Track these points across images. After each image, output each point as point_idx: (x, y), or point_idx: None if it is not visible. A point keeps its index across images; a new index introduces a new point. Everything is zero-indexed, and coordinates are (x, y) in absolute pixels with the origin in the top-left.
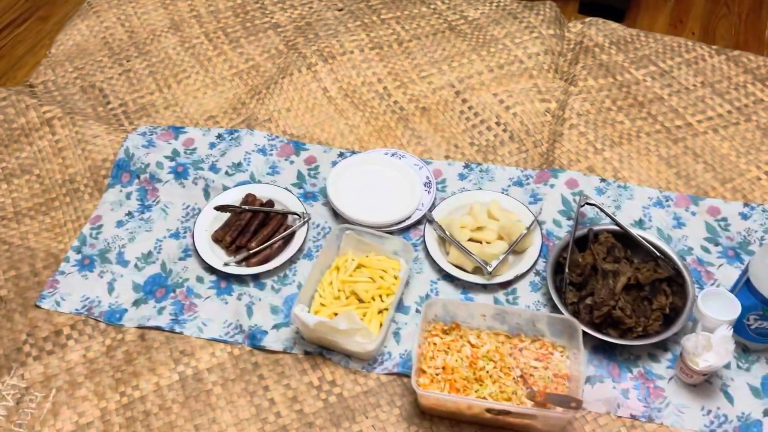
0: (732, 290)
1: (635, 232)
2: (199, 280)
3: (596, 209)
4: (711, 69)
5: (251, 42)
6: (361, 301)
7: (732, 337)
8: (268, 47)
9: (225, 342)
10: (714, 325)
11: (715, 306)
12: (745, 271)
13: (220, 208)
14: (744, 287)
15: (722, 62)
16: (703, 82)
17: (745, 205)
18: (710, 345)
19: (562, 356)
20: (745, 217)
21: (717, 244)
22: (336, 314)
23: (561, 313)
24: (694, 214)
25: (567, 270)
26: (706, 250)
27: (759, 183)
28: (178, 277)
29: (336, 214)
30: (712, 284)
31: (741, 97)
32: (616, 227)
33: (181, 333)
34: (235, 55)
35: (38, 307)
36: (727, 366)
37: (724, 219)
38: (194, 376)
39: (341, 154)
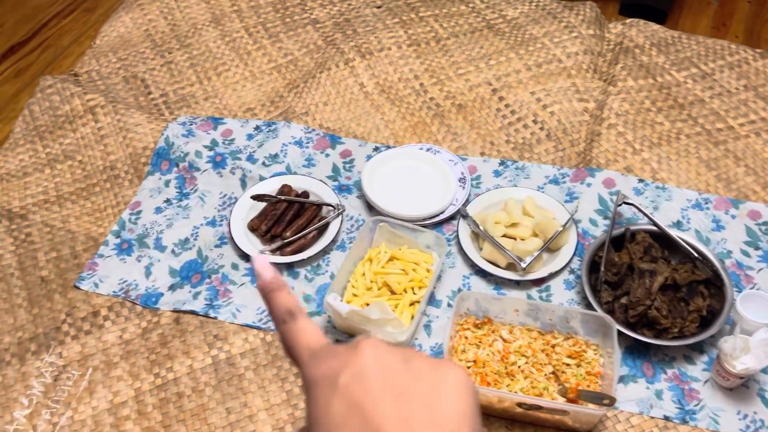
0: None
1: (674, 233)
2: (234, 267)
3: (633, 209)
4: (755, 72)
5: (290, 37)
6: (393, 292)
7: None
8: (306, 42)
9: (258, 328)
10: (753, 328)
11: (755, 308)
12: None
13: (257, 198)
14: None
15: (766, 66)
16: (746, 86)
17: None
18: (748, 347)
19: (595, 354)
20: None
21: (757, 248)
22: (368, 304)
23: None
24: (734, 217)
25: (602, 269)
26: (746, 253)
27: None
28: (213, 263)
29: (370, 207)
30: (752, 288)
31: None
32: (653, 227)
33: (215, 318)
34: (274, 50)
35: (77, 288)
36: (765, 370)
37: (765, 223)
38: (227, 360)
39: (376, 149)
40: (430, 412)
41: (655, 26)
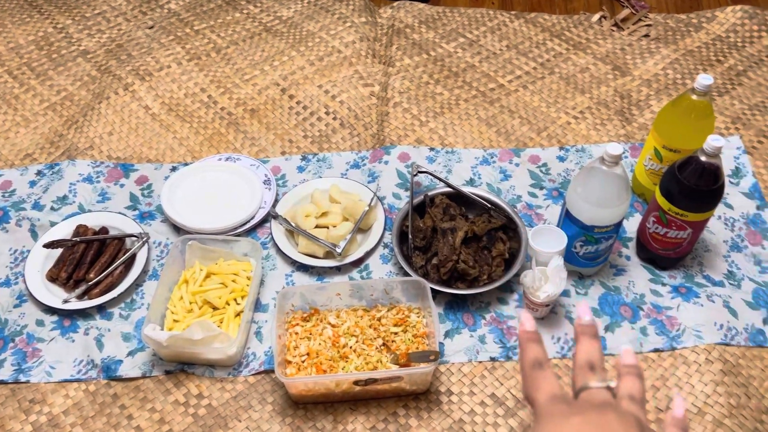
0: (558, 225)
1: (466, 189)
2: (40, 323)
3: (429, 176)
4: (513, 32)
5: (60, 73)
6: (215, 308)
7: (565, 267)
8: (79, 75)
9: (78, 380)
10: (546, 259)
11: (545, 241)
12: (564, 204)
13: (50, 245)
14: (565, 218)
15: (522, 25)
16: (508, 46)
17: (561, 148)
18: (546, 277)
19: (418, 317)
20: (562, 159)
21: (542, 188)
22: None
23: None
24: (517, 165)
25: (410, 236)
26: (533, 195)
27: (569, 127)
28: (15, 325)
29: (177, 229)
30: (543, 223)
31: (542, 53)
32: (449, 189)
33: (27, 382)
34: (44, 89)
35: None
36: (567, 294)
37: (545, 164)
38: (49, 423)
39: (174, 168)
40: None
41: (421, 5)
